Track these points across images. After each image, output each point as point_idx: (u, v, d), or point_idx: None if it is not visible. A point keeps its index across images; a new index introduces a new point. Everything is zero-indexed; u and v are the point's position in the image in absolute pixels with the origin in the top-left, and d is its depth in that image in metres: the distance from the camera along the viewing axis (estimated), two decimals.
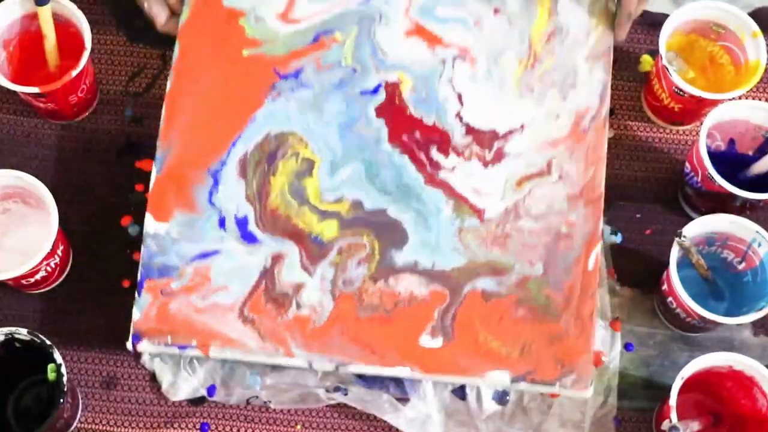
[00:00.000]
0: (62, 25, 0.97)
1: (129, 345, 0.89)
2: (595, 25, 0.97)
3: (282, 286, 0.90)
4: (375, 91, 0.95)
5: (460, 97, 0.95)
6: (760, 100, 1.03)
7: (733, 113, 0.95)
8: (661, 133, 1.02)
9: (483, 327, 0.89)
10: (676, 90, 0.96)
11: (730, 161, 0.97)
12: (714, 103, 0.95)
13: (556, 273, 0.90)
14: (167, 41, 1.03)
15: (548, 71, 0.96)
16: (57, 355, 0.86)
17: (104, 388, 0.95)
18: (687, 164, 0.96)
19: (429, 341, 0.88)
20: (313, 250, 0.91)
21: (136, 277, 0.96)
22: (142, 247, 0.91)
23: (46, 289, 0.97)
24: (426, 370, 0.88)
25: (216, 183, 0.92)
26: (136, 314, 0.89)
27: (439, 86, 0.95)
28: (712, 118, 0.94)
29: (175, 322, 0.89)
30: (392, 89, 0.95)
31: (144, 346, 0.89)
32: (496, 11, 0.98)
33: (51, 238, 0.90)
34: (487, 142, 0.94)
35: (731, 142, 0.97)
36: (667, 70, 0.94)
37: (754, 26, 0.96)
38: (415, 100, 0.95)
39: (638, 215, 1.00)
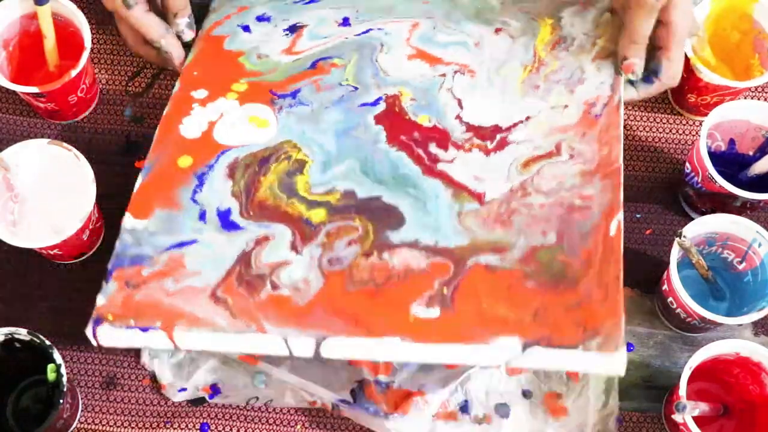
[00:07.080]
0: (62, 24, 0.97)
1: (89, 331, 0.81)
2: (600, 34, 0.95)
3: (260, 267, 0.83)
4: (375, 103, 0.94)
5: (460, 102, 0.93)
6: (760, 100, 1.03)
7: (733, 113, 0.95)
8: (661, 133, 1.02)
9: (487, 294, 0.79)
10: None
11: (730, 161, 0.97)
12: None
13: (571, 240, 0.82)
14: None
15: (554, 71, 0.94)
16: (57, 355, 0.86)
17: (104, 388, 0.95)
18: (687, 164, 0.96)
19: (424, 311, 0.79)
20: (305, 230, 0.85)
21: None
22: (117, 242, 0.86)
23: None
24: (419, 340, 0.77)
25: (201, 184, 0.89)
26: (100, 300, 0.82)
27: (438, 95, 0.94)
28: (712, 118, 0.94)
29: (141, 307, 0.82)
30: (392, 100, 0.94)
31: (104, 330, 0.81)
32: (497, 31, 0.97)
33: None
34: (489, 135, 0.90)
35: (731, 142, 0.97)
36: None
37: None
38: (415, 107, 0.93)
39: (638, 215, 1.00)
